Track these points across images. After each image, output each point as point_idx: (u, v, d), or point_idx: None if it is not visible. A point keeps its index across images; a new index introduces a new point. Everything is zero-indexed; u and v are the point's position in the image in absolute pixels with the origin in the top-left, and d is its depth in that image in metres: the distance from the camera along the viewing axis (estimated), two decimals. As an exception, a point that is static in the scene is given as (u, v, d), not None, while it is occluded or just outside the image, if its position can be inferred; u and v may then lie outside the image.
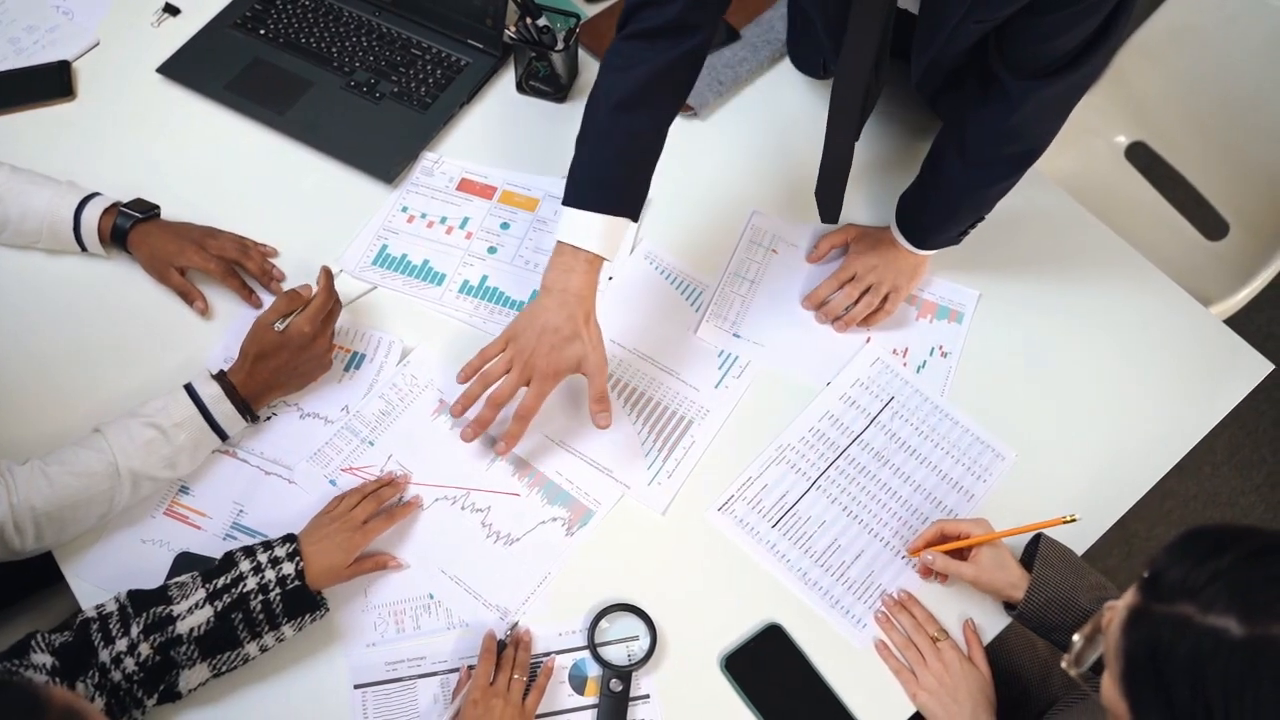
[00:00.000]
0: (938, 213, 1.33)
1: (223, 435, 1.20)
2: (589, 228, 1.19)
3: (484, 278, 1.40)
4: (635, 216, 1.23)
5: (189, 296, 1.34)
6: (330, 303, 1.24)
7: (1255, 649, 0.65)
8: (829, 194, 1.38)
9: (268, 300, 1.36)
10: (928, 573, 1.23)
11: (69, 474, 1.11)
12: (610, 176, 1.21)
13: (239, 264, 1.36)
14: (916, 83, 1.31)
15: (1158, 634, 0.70)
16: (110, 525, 1.19)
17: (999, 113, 1.18)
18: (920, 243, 1.36)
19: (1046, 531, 1.19)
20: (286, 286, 1.38)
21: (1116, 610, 0.74)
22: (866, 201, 1.48)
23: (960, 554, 1.19)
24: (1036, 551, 1.17)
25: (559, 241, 1.21)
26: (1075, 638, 0.79)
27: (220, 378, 1.20)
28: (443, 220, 1.45)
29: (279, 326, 1.21)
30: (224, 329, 1.35)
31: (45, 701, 0.68)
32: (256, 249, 1.39)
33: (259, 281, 1.37)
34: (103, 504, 1.13)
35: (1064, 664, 0.80)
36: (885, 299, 1.37)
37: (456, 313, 1.38)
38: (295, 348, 1.21)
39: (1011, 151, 1.24)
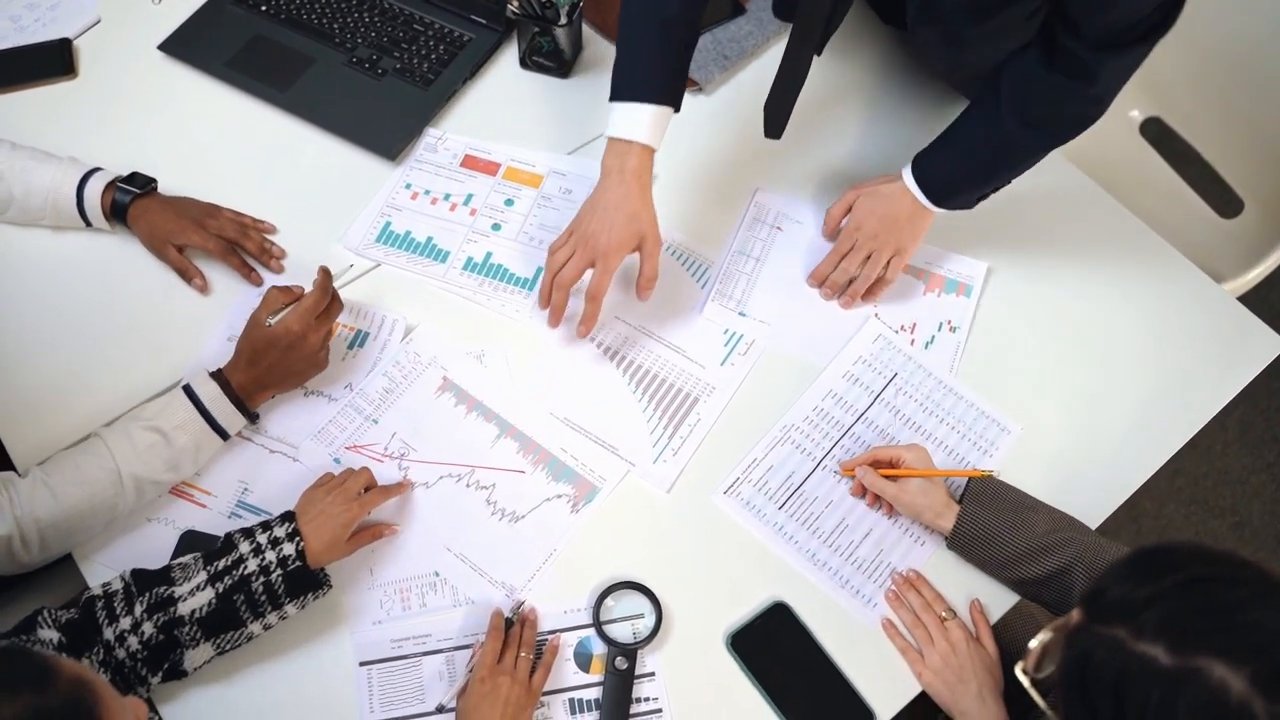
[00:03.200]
0: (977, 171, 1.31)
1: (223, 435, 1.19)
2: (639, 120, 1.23)
3: (488, 254, 1.40)
4: (677, 106, 1.26)
5: (186, 274, 1.34)
6: (324, 302, 1.21)
7: (1178, 679, 0.66)
8: (778, 107, 1.36)
9: (268, 278, 1.36)
10: (860, 490, 1.25)
11: (72, 484, 1.10)
12: (653, 69, 1.24)
13: (238, 243, 1.35)
14: (912, 28, 1.31)
15: (1090, 653, 0.71)
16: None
17: (1074, 81, 1.17)
18: (941, 199, 1.32)
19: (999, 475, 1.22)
20: (288, 264, 1.38)
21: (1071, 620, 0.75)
22: (868, 154, 1.47)
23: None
24: (967, 489, 1.20)
25: (610, 138, 1.25)
26: (1032, 644, 0.79)
27: (217, 375, 1.19)
28: (446, 197, 1.44)
29: (269, 322, 1.19)
30: (227, 303, 1.34)
31: (55, 670, 0.68)
32: (255, 228, 1.38)
33: (258, 260, 1.36)
34: (107, 511, 1.13)
35: (1018, 670, 0.80)
36: (887, 265, 1.35)
37: (461, 290, 1.37)
38: (284, 346, 1.19)
39: (1081, 114, 1.23)
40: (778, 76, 1.32)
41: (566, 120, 1.50)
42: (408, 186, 1.44)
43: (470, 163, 1.47)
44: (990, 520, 1.17)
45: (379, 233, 1.40)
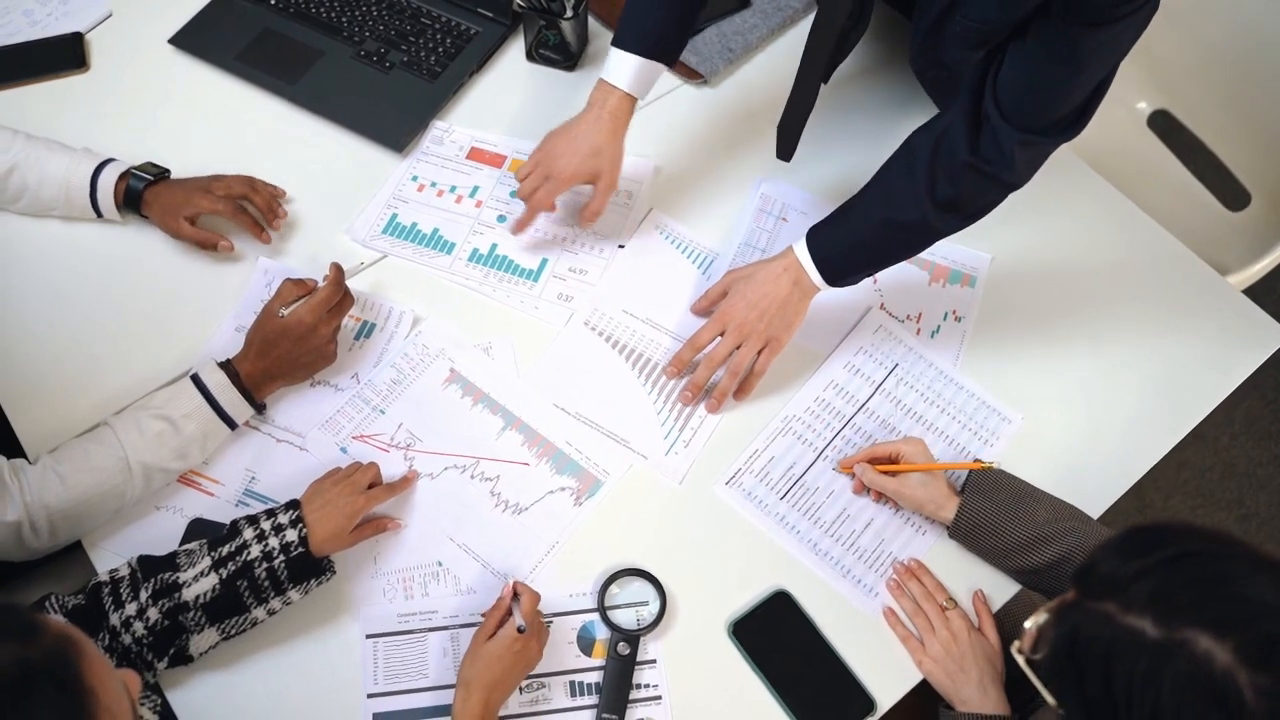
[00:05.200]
0: (878, 249, 1.24)
1: (231, 424, 1.20)
2: (626, 68, 1.29)
3: (494, 246, 1.41)
4: (671, 62, 1.32)
5: (208, 242, 1.34)
6: (337, 296, 1.22)
7: (1164, 651, 0.67)
8: (788, 131, 1.38)
9: (278, 269, 1.37)
10: (861, 488, 1.25)
11: (81, 471, 1.11)
12: (652, 24, 1.28)
13: (247, 199, 1.36)
14: (912, 59, 1.29)
15: (1080, 627, 0.72)
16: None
17: (992, 167, 1.13)
18: (835, 277, 1.25)
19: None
20: (296, 255, 1.39)
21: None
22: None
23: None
24: (968, 480, 1.21)
25: (600, 79, 1.31)
26: (1028, 624, 0.80)
27: (225, 365, 1.20)
28: (452, 189, 1.45)
29: (282, 313, 1.20)
30: (235, 294, 1.35)
31: (42, 626, 0.69)
32: (264, 184, 1.40)
33: (264, 217, 1.38)
34: (115, 499, 1.14)
35: (1013, 649, 0.81)
36: (758, 356, 1.27)
37: (466, 281, 1.38)
38: (295, 337, 1.20)
39: (994, 200, 1.20)
40: (789, 102, 1.34)
41: (573, 112, 1.50)
42: (414, 179, 1.45)
43: (476, 155, 1.48)
44: (991, 510, 1.17)
45: (385, 224, 1.41)
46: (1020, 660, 0.80)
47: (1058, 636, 0.74)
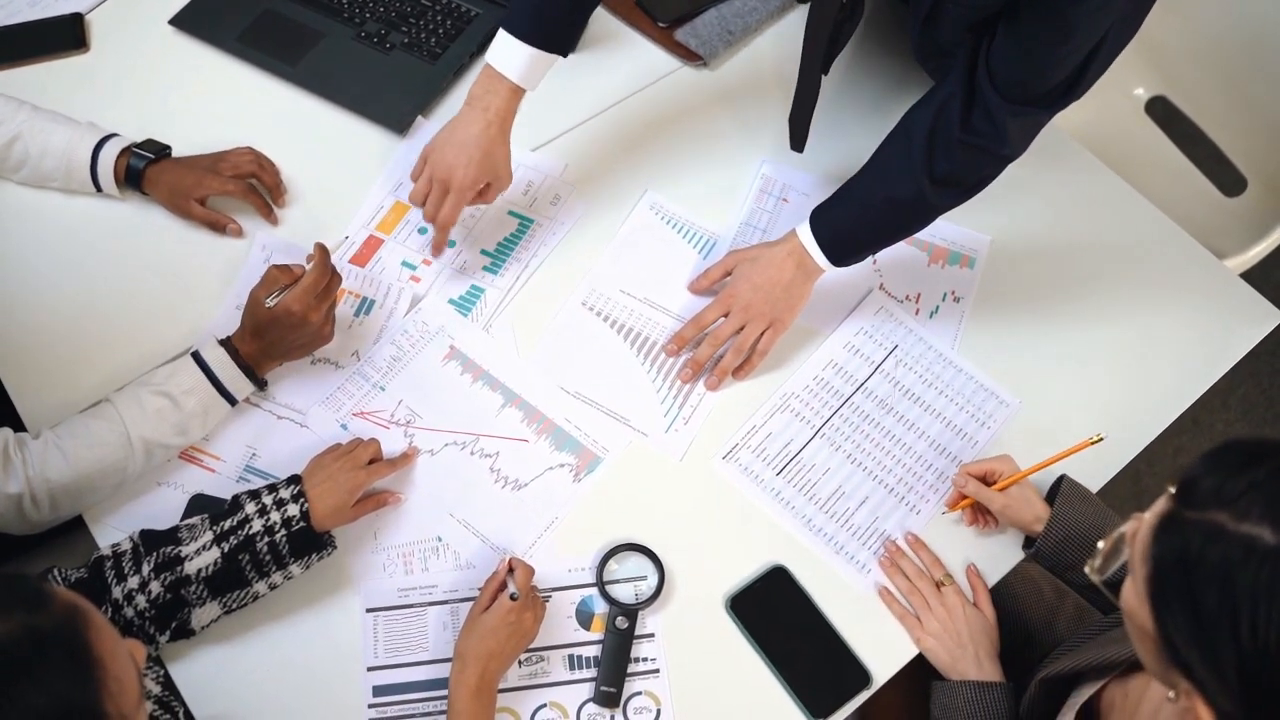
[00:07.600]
0: (880, 227, 1.26)
1: (231, 400, 1.21)
2: (516, 57, 1.22)
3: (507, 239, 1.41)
4: (565, 54, 1.26)
5: (218, 224, 1.36)
6: (322, 281, 1.19)
7: None
8: (798, 123, 1.38)
9: (283, 249, 1.37)
10: (973, 518, 1.23)
11: (82, 446, 1.12)
12: (549, 12, 1.22)
13: (255, 177, 1.37)
14: (915, 51, 1.30)
15: (1188, 541, 0.70)
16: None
17: (987, 141, 1.15)
18: (839, 257, 1.26)
19: (1069, 473, 1.21)
20: (301, 233, 1.39)
21: (1144, 520, 0.74)
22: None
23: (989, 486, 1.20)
24: (1059, 490, 1.19)
25: (487, 63, 1.25)
26: (1100, 544, 0.79)
27: (225, 343, 1.20)
28: (407, 264, 1.39)
29: (269, 303, 1.17)
30: (235, 272, 1.36)
31: (50, 595, 0.70)
32: (268, 160, 1.40)
33: (271, 196, 1.39)
34: (116, 475, 1.14)
35: (1087, 569, 0.81)
36: (760, 336, 1.29)
37: (527, 284, 1.38)
38: (286, 326, 1.19)
39: (991, 173, 1.21)
40: (795, 96, 1.34)
41: (571, 95, 1.51)
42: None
43: (367, 245, 1.40)
44: (1080, 519, 1.16)
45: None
46: (1096, 580, 0.80)
47: (1161, 551, 0.72)
